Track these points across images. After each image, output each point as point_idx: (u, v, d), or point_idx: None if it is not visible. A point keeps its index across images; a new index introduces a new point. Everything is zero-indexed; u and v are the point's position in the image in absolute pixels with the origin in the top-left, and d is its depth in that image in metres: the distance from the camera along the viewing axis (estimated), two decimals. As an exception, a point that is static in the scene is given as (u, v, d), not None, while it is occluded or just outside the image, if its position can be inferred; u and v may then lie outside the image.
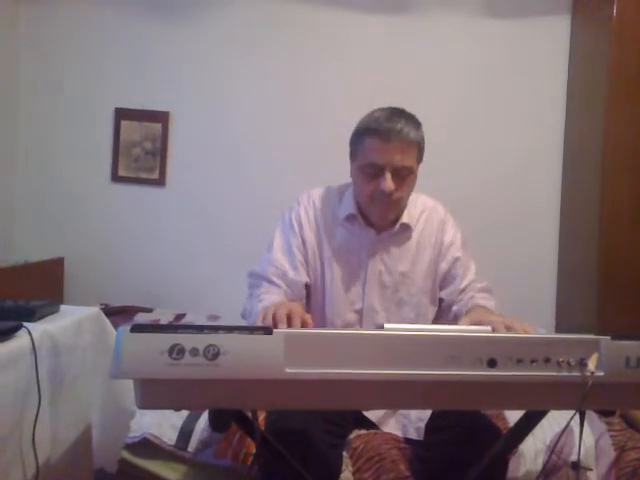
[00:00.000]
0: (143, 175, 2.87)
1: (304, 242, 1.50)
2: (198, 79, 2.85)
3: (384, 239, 1.50)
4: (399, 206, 1.46)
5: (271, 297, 1.36)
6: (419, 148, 1.43)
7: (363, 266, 1.49)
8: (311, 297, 1.51)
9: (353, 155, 1.47)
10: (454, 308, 1.47)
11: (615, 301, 2.29)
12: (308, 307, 1.51)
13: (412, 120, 1.41)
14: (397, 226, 1.49)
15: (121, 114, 2.85)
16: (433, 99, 2.66)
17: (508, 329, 1.10)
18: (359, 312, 1.49)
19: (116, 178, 2.88)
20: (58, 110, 2.89)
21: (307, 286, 1.50)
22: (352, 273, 1.49)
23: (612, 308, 2.29)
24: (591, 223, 2.39)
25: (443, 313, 1.54)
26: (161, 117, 2.84)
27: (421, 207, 1.55)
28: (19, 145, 2.90)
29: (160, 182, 2.87)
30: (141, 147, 2.87)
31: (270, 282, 1.45)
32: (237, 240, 2.83)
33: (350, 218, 1.50)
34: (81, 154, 2.89)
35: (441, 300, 1.54)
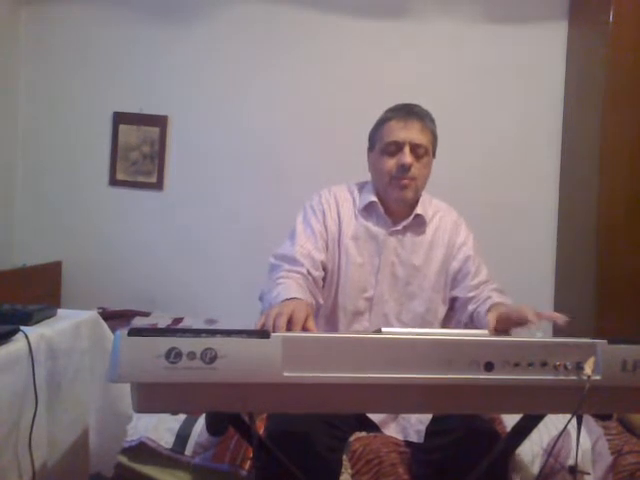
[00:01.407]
0: (141, 179, 2.87)
1: (326, 228, 1.55)
2: (196, 83, 2.85)
3: (399, 229, 1.54)
4: (415, 187, 1.52)
5: (288, 283, 1.36)
6: (433, 137, 1.54)
7: (377, 255, 1.53)
8: (325, 283, 1.54)
9: (373, 144, 1.57)
10: (469, 308, 1.48)
11: (612, 305, 2.29)
12: (323, 291, 1.53)
13: (428, 112, 1.55)
14: (412, 216, 1.54)
15: (119, 118, 2.86)
16: (432, 102, 2.65)
17: (538, 316, 1.13)
18: (369, 300, 1.52)
19: (114, 182, 2.88)
20: (57, 114, 2.89)
21: (324, 269, 1.52)
22: (366, 261, 1.53)
23: (609, 312, 2.28)
24: (588, 226, 2.39)
25: (457, 313, 1.55)
26: (159, 121, 2.84)
27: (435, 208, 1.61)
28: (18, 148, 2.90)
29: (158, 186, 2.87)
30: (139, 151, 2.87)
31: (294, 261, 1.45)
32: (235, 244, 2.83)
33: (368, 207, 1.56)
34: (79, 158, 2.89)
35: (455, 299, 1.55)
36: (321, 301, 1.49)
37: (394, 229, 1.54)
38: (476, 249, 1.59)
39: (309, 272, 1.44)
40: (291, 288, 1.33)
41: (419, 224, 1.56)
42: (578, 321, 2.45)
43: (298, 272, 1.42)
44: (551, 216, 2.76)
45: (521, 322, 1.17)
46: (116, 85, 2.87)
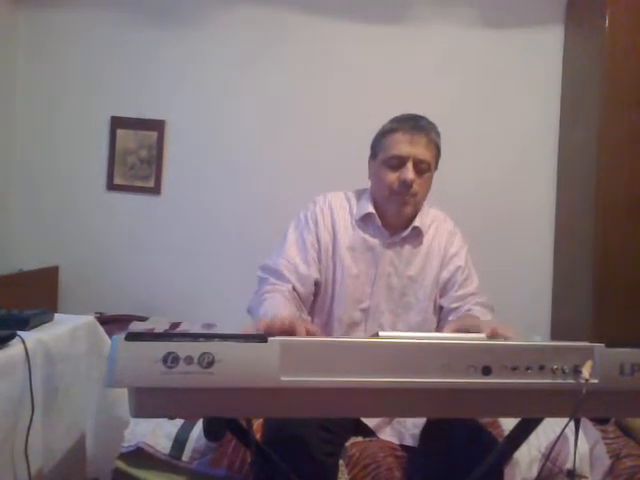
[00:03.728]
0: (138, 183, 2.87)
1: (318, 240, 1.52)
2: (194, 88, 2.86)
3: (396, 241, 1.52)
4: (415, 203, 1.50)
5: (276, 298, 1.35)
6: (437, 151, 1.50)
7: (373, 266, 1.51)
8: (319, 294, 1.52)
9: (375, 153, 1.53)
10: (449, 319, 1.47)
11: (610, 309, 2.30)
12: (315, 304, 1.53)
13: (434, 125, 1.51)
14: (409, 229, 1.52)
15: (117, 122, 2.86)
16: (430, 107, 2.68)
17: (494, 332, 1.09)
18: (365, 311, 1.51)
19: (111, 186, 2.88)
20: (54, 118, 2.89)
21: (317, 283, 1.51)
22: (362, 272, 1.51)
23: (607, 316, 2.29)
24: (586, 230, 2.40)
25: (440, 323, 1.54)
26: (157, 125, 2.84)
27: (432, 217, 1.59)
28: (16, 153, 2.89)
29: (155, 190, 2.87)
30: (137, 155, 2.87)
31: (280, 276, 1.44)
32: (232, 248, 2.83)
33: (365, 218, 1.53)
34: (77, 162, 2.89)
35: (441, 309, 1.55)
36: (305, 317, 1.47)
37: (391, 241, 1.53)
38: (468, 260, 1.57)
39: (295, 288, 1.44)
40: (278, 304, 1.32)
41: (416, 236, 1.54)
42: (576, 325, 2.46)
43: (284, 287, 1.41)
44: (548, 222, 2.76)
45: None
46: (113, 89, 2.87)
